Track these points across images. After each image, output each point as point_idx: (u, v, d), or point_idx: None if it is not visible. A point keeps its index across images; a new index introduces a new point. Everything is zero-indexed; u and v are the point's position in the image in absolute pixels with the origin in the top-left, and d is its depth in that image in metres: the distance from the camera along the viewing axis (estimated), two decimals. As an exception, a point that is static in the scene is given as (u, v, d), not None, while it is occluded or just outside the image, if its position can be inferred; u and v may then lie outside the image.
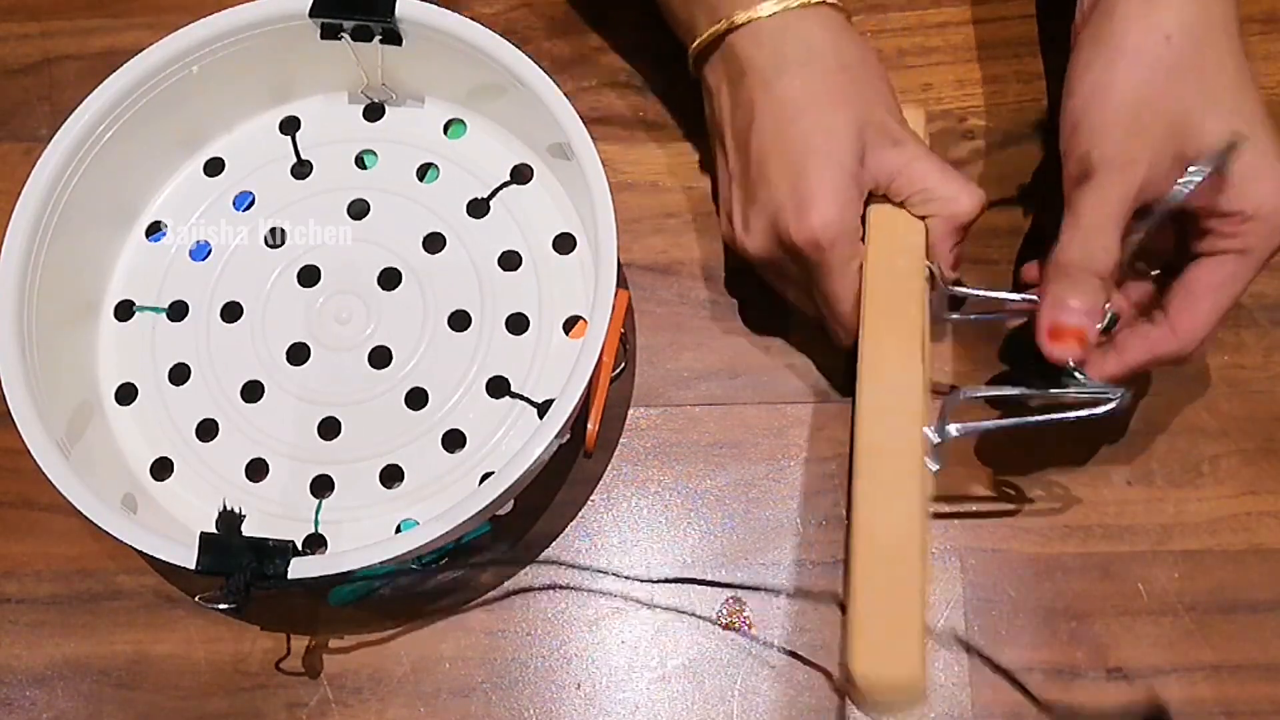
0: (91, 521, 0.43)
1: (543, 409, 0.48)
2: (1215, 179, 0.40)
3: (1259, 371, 0.50)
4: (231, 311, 0.51)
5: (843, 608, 0.45)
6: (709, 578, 0.48)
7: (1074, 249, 0.42)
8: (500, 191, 0.51)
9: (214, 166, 0.53)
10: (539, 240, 0.51)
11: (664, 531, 0.49)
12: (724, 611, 0.48)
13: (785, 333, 0.52)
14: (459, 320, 0.50)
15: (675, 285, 0.53)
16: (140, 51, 0.49)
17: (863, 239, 0.44)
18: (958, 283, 0.46)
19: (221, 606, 0.42)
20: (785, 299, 0.49)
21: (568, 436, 0.45)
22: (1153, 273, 0.46)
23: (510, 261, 0.50)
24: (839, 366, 0.51)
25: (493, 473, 0.46)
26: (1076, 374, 0.42)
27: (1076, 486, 0.49)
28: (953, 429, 0.41)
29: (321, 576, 0.42)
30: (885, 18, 0.56)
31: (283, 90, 0.53)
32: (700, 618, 0.48)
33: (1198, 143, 0.41)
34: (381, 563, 0.42)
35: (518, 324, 0.50)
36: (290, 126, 0.53)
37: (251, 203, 0.52)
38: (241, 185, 0.53)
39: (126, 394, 0.50)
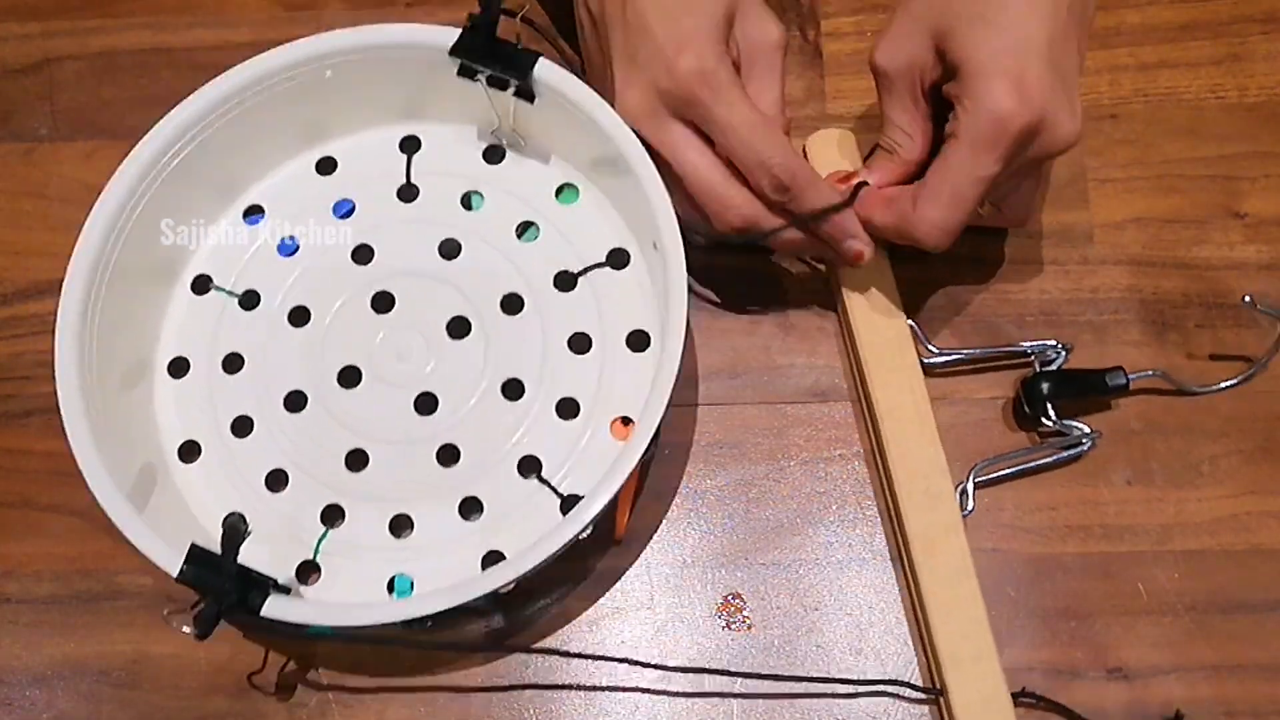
0: (92, 494, 0.43)
1: (566, 503, 0.47)
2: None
3: (1259, 371, 0.50)
4: (299, 316, 0.50)
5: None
6: (709, 577, 0.48)
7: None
8: (591, 271, 0.50)
9: (326, 165, 0.53)
10: (615, 332, 0.49)
11: (664, 531, 0.49)
12: (724, 611, 0.48)
13: (785, 332, 0.52)
14: (513, 389, 0.49)
15: (675, 285, 0.52)
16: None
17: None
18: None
19: (185, 630, 0.42)
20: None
21: (589, 533, 0.44)
22: None
23: (580, 345, 0.49)
24: (839, 366, 0.51)
25: (499, 552, 0.46)
26: (1046, 420, 0.48)
27: (1076, 486, 0.49)
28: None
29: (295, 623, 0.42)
30: (886, 18, 0.56)
31: (414, 108, 0.53)
32: (700, 618, 0.48)
33: (954, 51, 0.43)
34: (363, 626, 0.42)
35: (568, 409, 0.48)
36: (410, 146, 0.53)
37: (351, 211, 0.52)
38: (346, 192, 0.52)
39: (179, 368, 0.50)
